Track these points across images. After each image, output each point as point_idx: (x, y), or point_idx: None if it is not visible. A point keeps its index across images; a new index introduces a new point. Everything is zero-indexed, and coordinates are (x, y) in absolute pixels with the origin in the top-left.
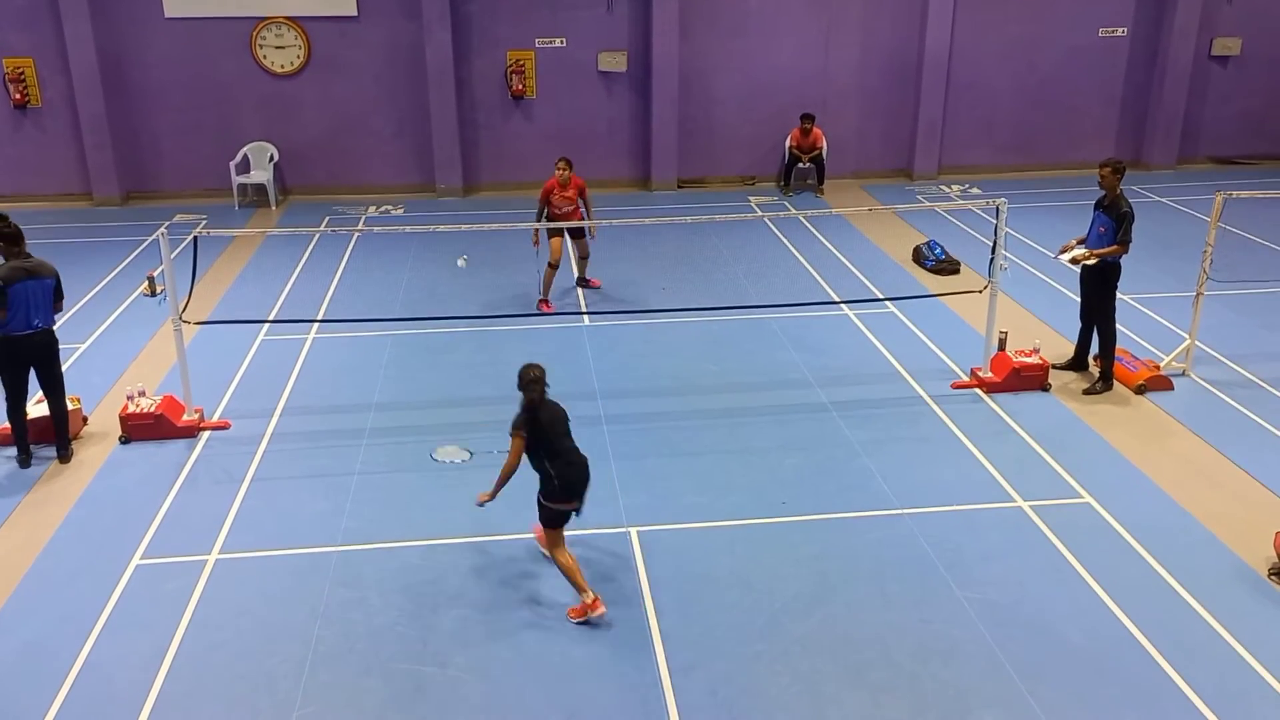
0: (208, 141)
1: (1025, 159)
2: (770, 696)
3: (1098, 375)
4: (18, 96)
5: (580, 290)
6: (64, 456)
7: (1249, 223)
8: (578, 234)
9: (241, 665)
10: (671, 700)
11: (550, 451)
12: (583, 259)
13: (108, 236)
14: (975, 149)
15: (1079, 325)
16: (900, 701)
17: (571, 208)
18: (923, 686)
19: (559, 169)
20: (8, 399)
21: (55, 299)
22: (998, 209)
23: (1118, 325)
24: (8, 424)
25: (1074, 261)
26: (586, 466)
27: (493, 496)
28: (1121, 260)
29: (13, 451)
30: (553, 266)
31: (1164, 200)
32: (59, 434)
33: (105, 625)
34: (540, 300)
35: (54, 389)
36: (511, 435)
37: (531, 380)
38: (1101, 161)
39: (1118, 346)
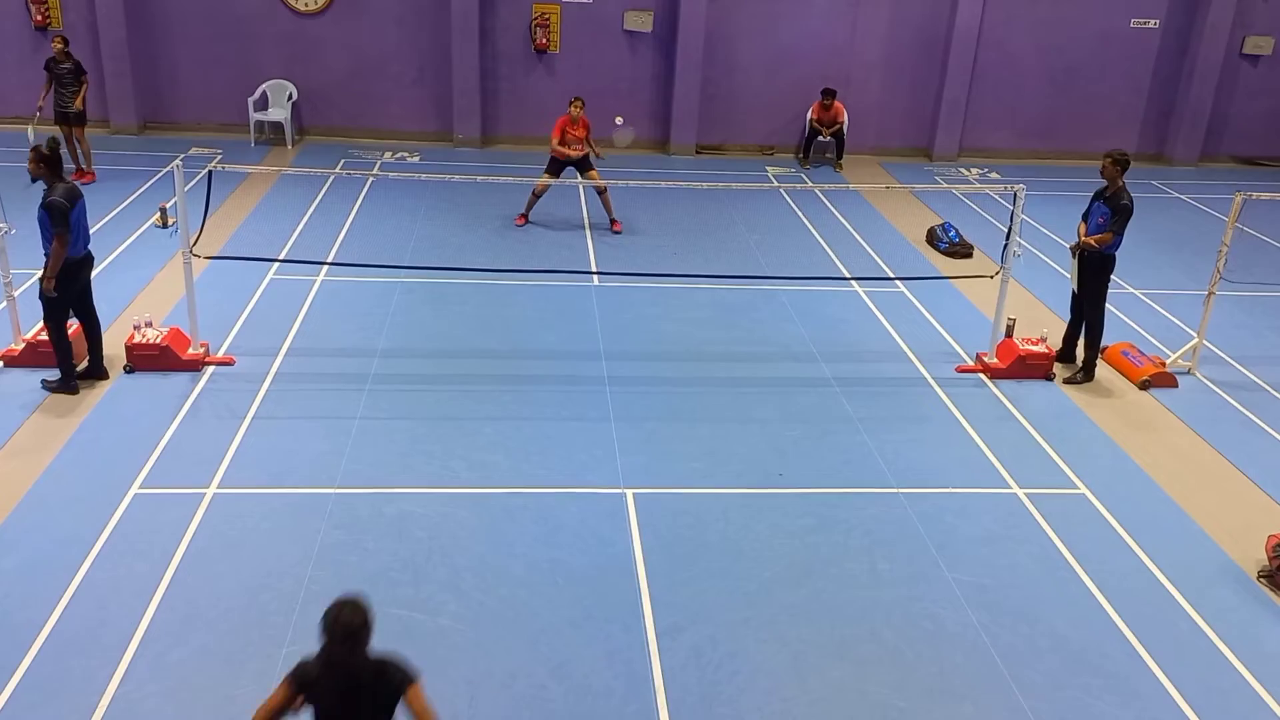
0: (227, 76)
1: (1047, 145)
2: (754, 663)
3: (1079, 364)
4: (39, 18)
5: (592, 251)
6: (100, 373)
7: (1267, 224)
8: (587, 168)
9: (234, 598)
10: (656, 660)
11: None
12: (602, 193)
13: (122, 165)
14: (997, 132)
15: (1069, 316)
16: (883, 676)
17: (579, 144)
18: (906, 663)
19: (574, 107)
20: (59, 321)
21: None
22: (1015, 194)
23: (1124, 318)
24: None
25: (1074, 249)
26: None
27: None
28: (1116, 254)
29: (26, 374)
30: (536, 195)
31: (1183, 197)
32: (94, 351)
33: (102, 550)
34: (519, 215)
35: (89, 308)
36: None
37: (338, 629)
38: (1105, 152)
39: (1125, 341)
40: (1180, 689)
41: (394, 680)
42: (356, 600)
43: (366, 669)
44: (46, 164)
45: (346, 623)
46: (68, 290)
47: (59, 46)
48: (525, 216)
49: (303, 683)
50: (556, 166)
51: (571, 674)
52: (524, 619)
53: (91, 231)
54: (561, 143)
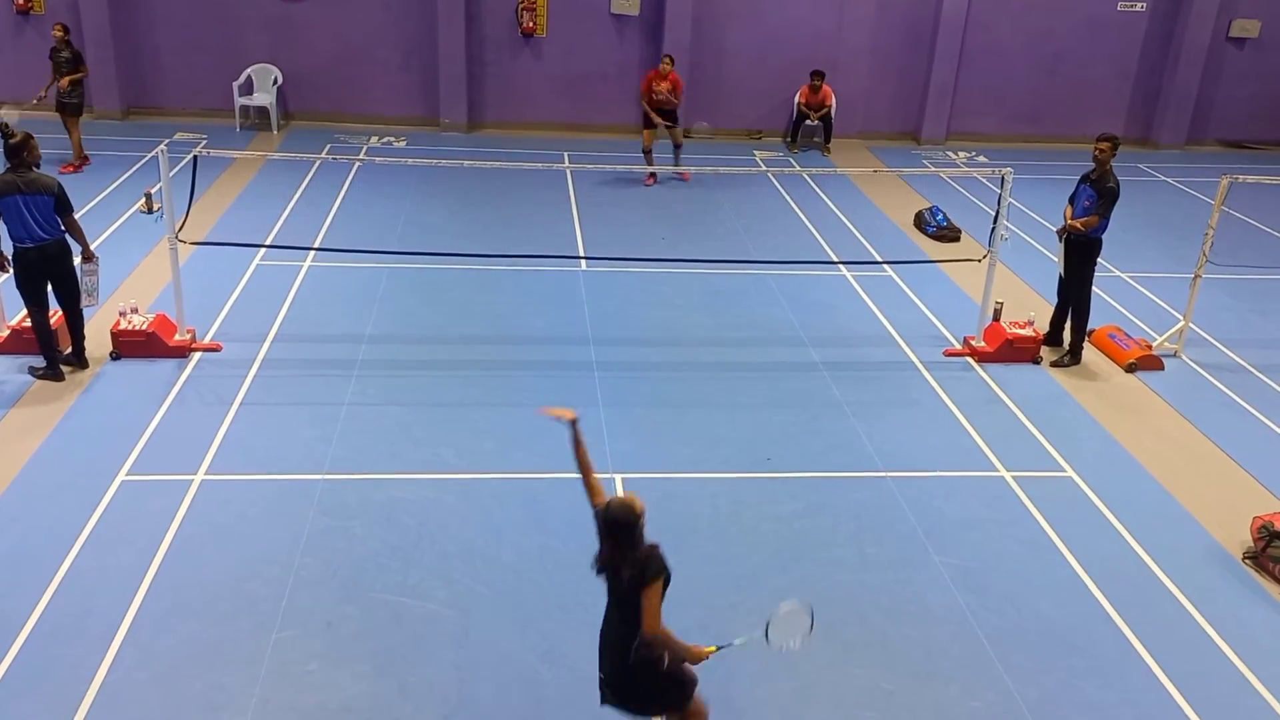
0: (211, 60)
1: (1033, 129)
2: None
3: (1066, 347)
4: (21, 1)
5: (580, 236)
6: (81, 363)
7: (1252, 208)
8: (671, 120)
9: (223, 585)
10: None
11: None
12: (676, 146)
13: (107, 150)
14: (984, 116)
15: (1057, 300)
16: (870, 659)
17: (664, 98)
18: (893, 646)
19: (664, 63)
20: (30, 311)
21: (62, 211)
22: (1003, 178)
23: (1110, 301)
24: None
25: (1060, 232)
26: (611, 647)
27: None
28: (1103, 237)
29: (11, 361)
30: (646, 152)
31: (1169, 180)
32: (75, 341)
33: (89, 538)
34: (649, 176)
35: (69, 299)
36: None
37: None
38: (1101, 135)
39: (1112, 324)
40: (1166, 670)
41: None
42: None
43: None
44: (3, 151)
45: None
46: (32, 280)
47: (58, 34)
48: (653, 176)
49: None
50: (649, 120)
51: (562, 659)
52: (514, 604)
53: (78, 216)
54: (649, 96)
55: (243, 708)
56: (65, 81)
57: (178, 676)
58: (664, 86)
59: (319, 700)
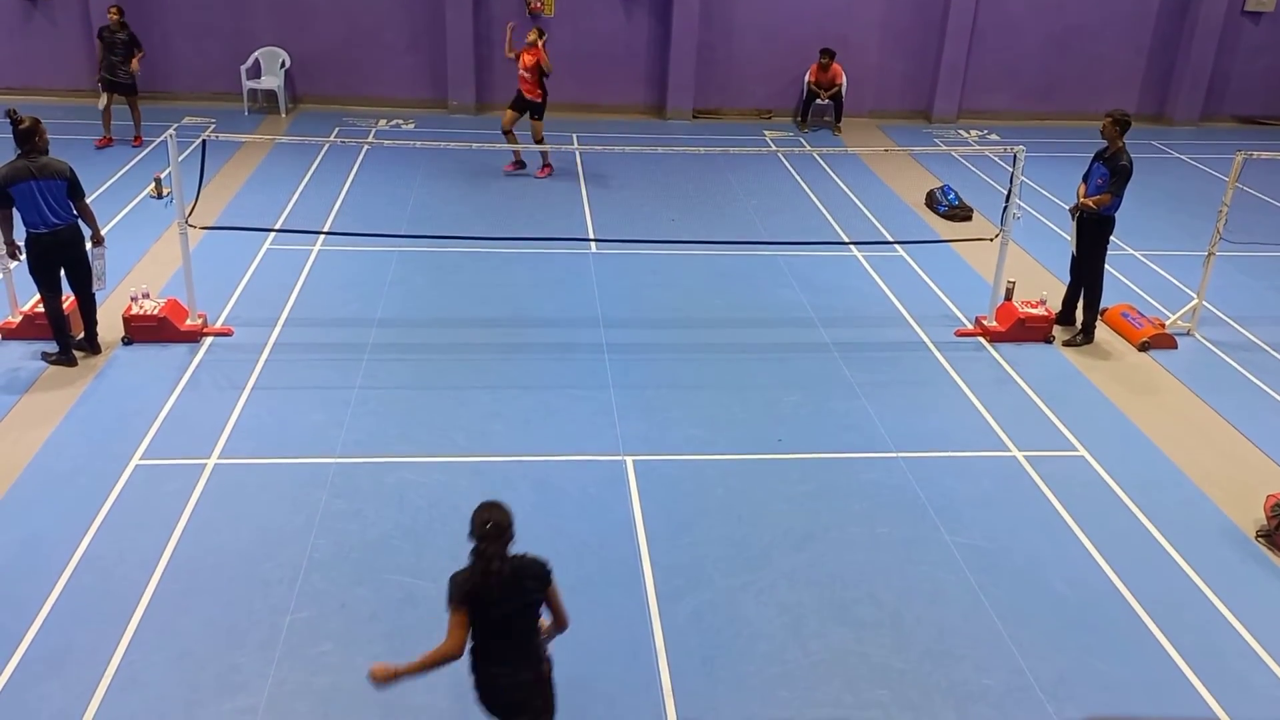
0: (219, 44)
1: (1046, 107)
2: (754, 627)
3: (1079, 326)
4: None
5: (589, 218)
6: (93, 348)
7: (1267, 184)
8: (536, 113)
9: (237, 568)
10: (658, 625)
11: (482, 648)
12: (537, 141)
13: (115, 135)
14: (996, 94)
15: (1069, 278)
16: (882, 638)
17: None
18: (905, 625)
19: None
20: (44, 296)
21: (75, 196)
22: (1015, 156)
23: (1123, 280)
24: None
25: (1073, 210)
26: (526, 687)
27: (393, 676)
28: (1116, 215)
29: (24, 347)
30: (506, 133)
31: (1183, 157)
32: (88, 326)
33: (104, 523)
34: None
35: (81, 284)
36: (449, 610)
37: (486, 529)
38: (1107, 112)
39: (1125, 303)
40: (1179, 648)
41: (538, 575)
42: (498, 502)
43: (511, 565)
44: (14, 137)
45: (497, 520)
46: (47, 265)
47: (114, 17)
48: (515, 164)
49: (465, 593)
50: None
51: (573, 639)
52: None
53: (89, 201)
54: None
55: (258, 688)
56: (135, 64)
57: (194, 658)
58: (526, 60)
59: (333, 681)
